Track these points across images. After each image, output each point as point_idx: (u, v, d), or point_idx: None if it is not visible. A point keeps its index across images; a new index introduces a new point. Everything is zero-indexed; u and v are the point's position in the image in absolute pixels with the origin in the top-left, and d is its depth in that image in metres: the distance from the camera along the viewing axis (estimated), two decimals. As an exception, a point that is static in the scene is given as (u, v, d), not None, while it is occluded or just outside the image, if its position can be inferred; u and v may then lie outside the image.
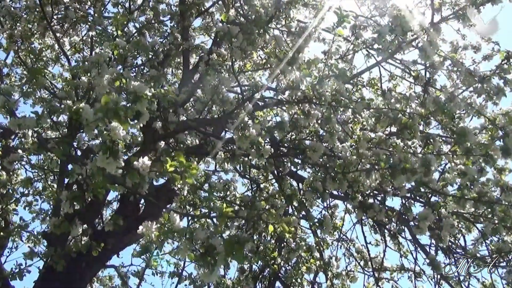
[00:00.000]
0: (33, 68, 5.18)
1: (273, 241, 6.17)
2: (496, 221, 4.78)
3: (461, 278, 5.51)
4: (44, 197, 6.44)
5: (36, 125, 3.74)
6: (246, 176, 7.00)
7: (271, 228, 3.42)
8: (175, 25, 6.16)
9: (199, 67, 5.40)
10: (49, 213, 6.28)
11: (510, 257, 4.91)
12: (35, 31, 6.03)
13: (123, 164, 2.42)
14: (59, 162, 5.00)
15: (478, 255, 5.27)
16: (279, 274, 6.28)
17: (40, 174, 6.36)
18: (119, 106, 2.50)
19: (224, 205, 2.88)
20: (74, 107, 2.50)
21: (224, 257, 2.47)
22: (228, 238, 2.50)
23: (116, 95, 2.49)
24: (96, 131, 2.77)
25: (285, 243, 6.00)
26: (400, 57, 5.60)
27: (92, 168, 2.42)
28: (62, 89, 5.89)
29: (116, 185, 2.69)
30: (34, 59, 5.89)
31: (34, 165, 6.21)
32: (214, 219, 2.98)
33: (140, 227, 2.79)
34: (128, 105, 2.73)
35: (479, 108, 5.14)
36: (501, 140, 4.66)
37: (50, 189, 6.45)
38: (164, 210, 5.22)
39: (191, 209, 5.10)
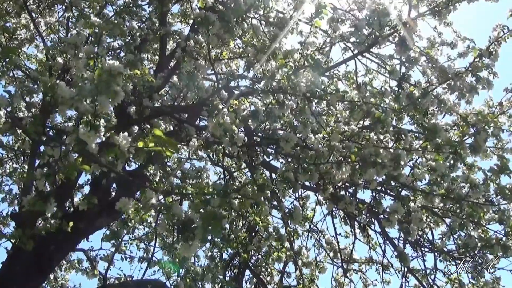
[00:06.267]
0: (6, 46, 5.11)
1: (244, 230, 6.20)
2: (464, 217, 4.86)
3: (427, 271, 5.60)
4: (14, 178, 6.39)
5: (8, 105, 3.69)
6: (219, 164, 7.01)
7: (248, 203, 3.44)
8: (153, 10, 6.12)
9: (176, 53, 5.39)
10: (18, 195, 6.22)
11: (476, 252, 5.00)
12: (10, 10, 5.94)
13: (103, 138, 2.42)
14: (30, 143, 4.95)
15: (445, 249, 5.37)
16: (249, 263, 6.32)
17: (10, 155, 6.29)
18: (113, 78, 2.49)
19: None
20: (50, 83, 2.48)
21: (202, 231, 2.51)
22: (205, 213, 2.54)
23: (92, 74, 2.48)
24: (69, 111, 2.76)
25: (256, 232, 6.03)
26: (377, 51, 5.64)
27: (70, 142, 2.41)
28: (36, 70, 5.83)
29: (91, 164, 2.68)
30: (8, 38, 5.81)
31: (5, 145, 6.14)
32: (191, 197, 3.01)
33: (117, 203, 2.79)
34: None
35: (452, 105, 5.20)
36: (472, 137, 4.73)
37: (21, 170, 6.39)
38: (136, 195, 5.21)
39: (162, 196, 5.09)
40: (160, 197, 3.09)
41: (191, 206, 2.82)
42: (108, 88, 2.40)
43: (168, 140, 2.39)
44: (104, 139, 2.50)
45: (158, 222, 2.69)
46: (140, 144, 2.39)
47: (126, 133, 2.49)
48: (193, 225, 2.54)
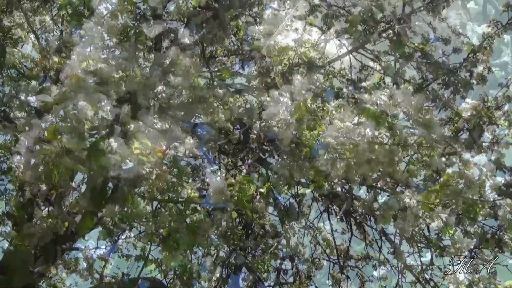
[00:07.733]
0: (1, 46, 5.09)
1: (240, 227, 6.19)
2: (460, 212, 4.85)
3: (424, 267, 5.61)
4: (10, 177, 6.36)
5: (3, 104, 3.69)
6: (215, 162, 6.98)
7: (234, 215, 3.45)
8: (148, 8, 6.09)
9: (171, 51, 5.37)
10: (14, 194, 6.20)
11: (472, 248, 5.00)
12: (4, 9, 5.91)
13: (88, 145, 2.42)
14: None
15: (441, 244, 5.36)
16: (246, 260, 6.31)
17: (7, 154, 6.27)
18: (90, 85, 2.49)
19: (190, 190, 2.91)
20: (40, 87, 2.48)
21: (187, 241, 2.49)
22: (190, 223, 2.53)
23: (83, 77, 2.48)
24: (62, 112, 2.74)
25: (253, 229, 6.03)
26: (372, 48, 5.63)
27: (57, 148, 2.40)
28: (31, 69, 5.81)
29: (82, 166, 2.67)
30: (3, 37, 5.79)
31: (0, 145, 6.12)
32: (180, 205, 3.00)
33: (103, 210, 2.79)
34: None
35: (447, 101, 5.20)
36: (467, 132, 4.73)
37: (17, 170, 6.37)
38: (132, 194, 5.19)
39: (158, 194, 5.09)
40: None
41: (179, 215, 2.81)
42: (88, 94, 2.40)
43: (153, 146, 2.39)
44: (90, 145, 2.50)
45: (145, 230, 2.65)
46: (127, 152, 2.39)
47: (112, 140, 2.49)
48: (177, 235, 2.53)
